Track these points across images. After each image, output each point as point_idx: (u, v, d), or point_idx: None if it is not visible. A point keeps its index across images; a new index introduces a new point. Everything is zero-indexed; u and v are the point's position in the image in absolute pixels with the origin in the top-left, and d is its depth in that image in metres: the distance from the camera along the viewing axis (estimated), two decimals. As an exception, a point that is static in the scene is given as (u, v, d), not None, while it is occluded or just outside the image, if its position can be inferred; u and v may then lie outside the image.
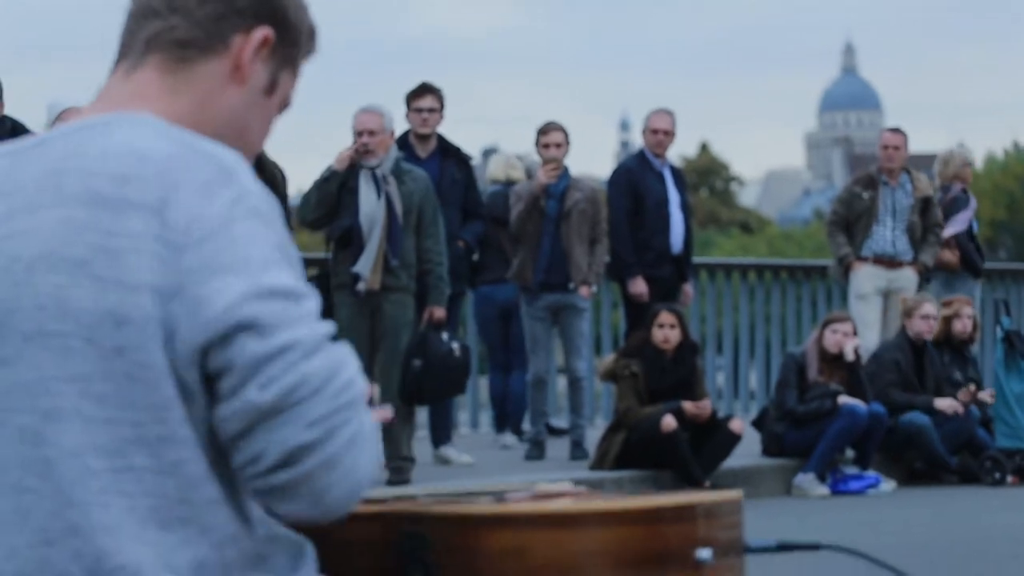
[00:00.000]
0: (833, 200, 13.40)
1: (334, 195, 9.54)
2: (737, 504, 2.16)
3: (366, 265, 9.40)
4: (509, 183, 11.93)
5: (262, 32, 2.13)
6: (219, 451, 2.02)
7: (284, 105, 2.21)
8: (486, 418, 13.71)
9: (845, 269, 12.63)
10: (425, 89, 10.80)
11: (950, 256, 12.99)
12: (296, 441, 1.96)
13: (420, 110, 10.73)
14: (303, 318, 1.99)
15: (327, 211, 9.54)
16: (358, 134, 9.57)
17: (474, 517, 2.12)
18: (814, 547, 2.28)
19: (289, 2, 2.17)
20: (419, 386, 9.45)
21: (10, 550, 1.99)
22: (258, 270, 1.97)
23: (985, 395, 11.74)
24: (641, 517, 2.09)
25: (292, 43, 2.18)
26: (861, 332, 11.67)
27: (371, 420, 2.03)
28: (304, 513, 2.01)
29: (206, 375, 1.99)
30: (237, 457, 2.00)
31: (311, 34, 2.21)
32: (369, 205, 9.45)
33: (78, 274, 1.98)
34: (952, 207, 12.96)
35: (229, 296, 1.95)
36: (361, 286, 9.38)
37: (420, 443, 10.35)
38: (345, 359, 2.02)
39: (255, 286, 1.96)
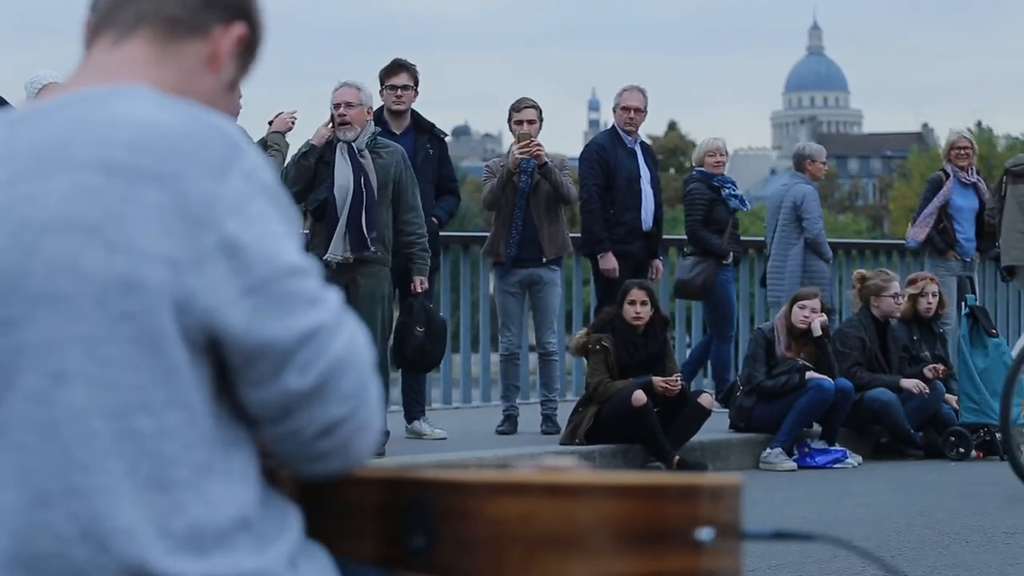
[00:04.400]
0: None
1: (312, 169, 9.65)
2: (737, 489, 2.17)
3: (338, 237, 9.51)
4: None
5: (241, 27, 2.23)
6: (219, 416, 2.07)
7: (233, 112, 2.30)
8: (458, 393, 13.80)
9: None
10: (399, 66, 10.82)
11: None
12: (333, 416, 2.08)
13: (394, 87, 10.75)
14: (319, 295, 2.07)
15: (305, 185, 9.65)
16: (335, 106, 9.66)
17: (481, 483, 2.12)
18: (808, 537, 2.28)
19: (262, 13, 2.27)
20: (423, 353, 9.89)
21: (7, 509, 2.02)
22: (274, 250, 2.04)
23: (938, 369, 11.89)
24: (646, 492, 2.10)
25: (253, 51, 2.27)
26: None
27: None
28: (335, 471, 2.15)
29: (220, 352, 2.05)
30: (275, 430, 2.10)
31: (259, 52, 2.29)
32: (344, 178, 9.54)
33: (90, 238, 2.00)
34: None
35: (250, 278, 2.02)
36: (329, 257, 9.48)
37: (393, 417, 10.42)
38: (352, 322, 2.11)
39: (274, 268, 2.03)
